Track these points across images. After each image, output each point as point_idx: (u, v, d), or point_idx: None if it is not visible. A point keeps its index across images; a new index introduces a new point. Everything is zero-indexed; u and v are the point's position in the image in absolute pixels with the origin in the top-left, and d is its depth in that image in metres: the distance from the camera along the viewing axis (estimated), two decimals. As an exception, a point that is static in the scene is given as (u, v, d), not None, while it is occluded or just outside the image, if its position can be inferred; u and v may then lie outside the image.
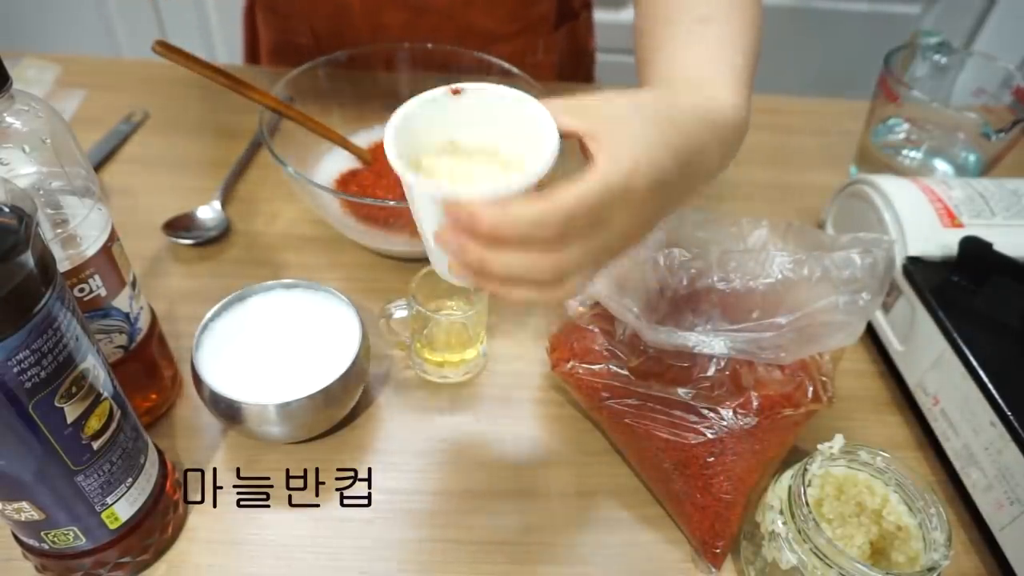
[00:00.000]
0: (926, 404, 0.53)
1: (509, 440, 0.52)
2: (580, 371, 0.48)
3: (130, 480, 0.40)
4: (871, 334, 0.60)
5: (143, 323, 0.47)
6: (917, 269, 0.55)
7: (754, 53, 0.45)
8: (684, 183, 0.39)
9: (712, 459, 0.44)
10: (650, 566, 0.46)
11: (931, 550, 0.38)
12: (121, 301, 0.44)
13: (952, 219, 0.56)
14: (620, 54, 1.61)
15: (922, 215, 0.57)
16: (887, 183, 0.60)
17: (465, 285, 0.41)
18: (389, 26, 0.79)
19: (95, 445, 0.36)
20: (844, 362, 0.50)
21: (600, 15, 1.52)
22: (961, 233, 0.54)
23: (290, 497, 0.48)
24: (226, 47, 1.58)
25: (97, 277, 0.42)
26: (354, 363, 0.47)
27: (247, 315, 0.50)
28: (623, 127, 0.36)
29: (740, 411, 0.44)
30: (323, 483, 0.49)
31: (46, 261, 0.32)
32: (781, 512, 0.40)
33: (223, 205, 0.68)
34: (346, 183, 0.65)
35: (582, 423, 0.53)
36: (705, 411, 0.44)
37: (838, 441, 0.42)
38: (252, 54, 0.97)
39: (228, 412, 0.45)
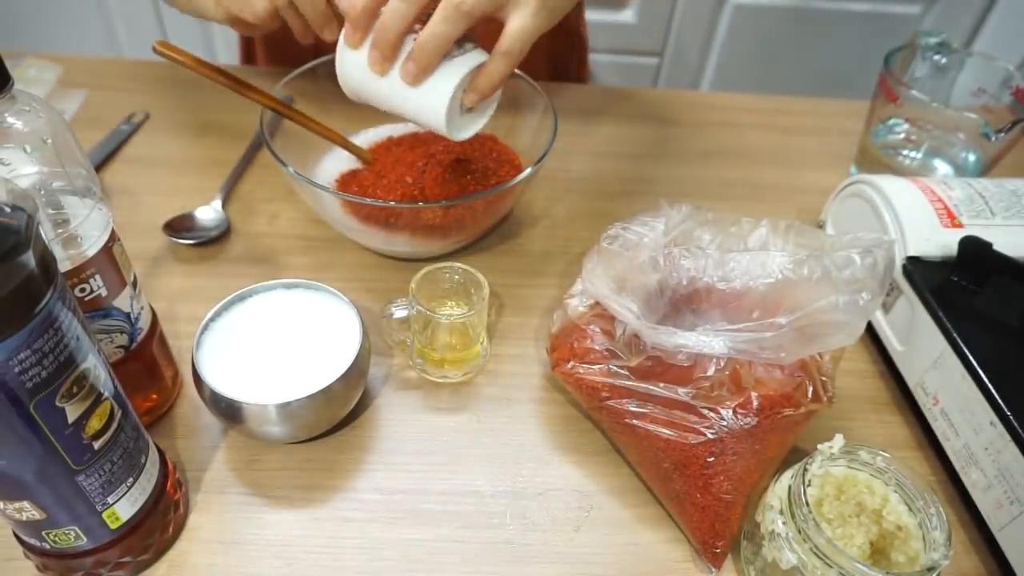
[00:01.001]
0: (926, 404, 0.53)
1: (509, 440, 0.52)
2: (580, 371, 0.48)
3: (131, 480, 0.40)
4: (871, 334, 0.60)
5: (144, 323, 0.47)
6: (917, 269, 0.55)
7: None
8: None
9: (712, 459, 0.44)
10: (650, 566, 0.46)
11: (931, 550, 0.38)
12: (122, 301, 0.44)
13: (952, 219, 0.56)
14: (618, 55, 1.62)
15: (922, 215, 0.57)
16: (887, 183, 0.60)
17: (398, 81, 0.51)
18: None
19: (96, 445, 0.37)
20: (844, 362, 0.50)
21: (599, 15, 1.52)
22: (961, 233, 0.54)
23: (290, 497, 0.48)
24: (226, 47, 1.59)
25: (98, 277, 0.42)
26: (354, 363, 0.47)
27: (247, 315, 0.50)
28: None
29: (740, 411, 0.44)
30: (323, 483, 0.49)
31: (47, 261, 0.32)
32: (781, 512, 0.40)
33: (223, 205, 0.68)
34: (346, 183, 0.65)
35: (582, 423, 0.53)
36: (705, 411, 0.44)
37: (838, 441, 0.42)
38: (248, 52, 0.97)
39: (228, 412, 0.46)
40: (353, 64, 0.52)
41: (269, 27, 0.59)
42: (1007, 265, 0.52)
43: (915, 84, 0.72)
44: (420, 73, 0.49)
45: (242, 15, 0.58)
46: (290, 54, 0.89)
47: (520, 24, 0.49)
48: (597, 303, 0.50)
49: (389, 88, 0.51)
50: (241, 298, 0.51)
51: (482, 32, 0.52)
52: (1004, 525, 0.45)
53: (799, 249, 0.48)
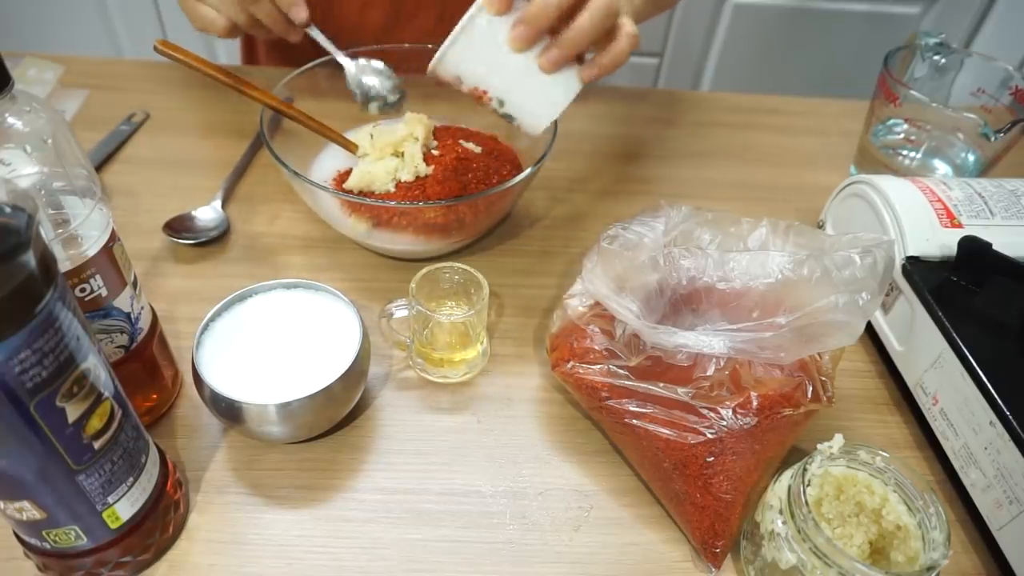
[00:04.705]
0: (925, 404, 0.53)
1: (509, 440, 0.52)
2: (580, 371, 0.48)
3: (131, 479, 0.40)
4: (871, 334, 0.60)
5: (144, 323, 0.47)
6: (916, 269, 0.55)
7: None
8: None
9: (712, 459, 0.44)
10: (650, 566, 0.46)
11: (930, 549, 0.39)
12: (122, 301, 0.44)
13: (951, 219, 0.57)
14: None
15: (921, 215, 0.57)
16: (886, 183, 0.60)
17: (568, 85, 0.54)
18: (373, 17, 0.82)
19: (96, 445, 0.37)
20: (844, 362, 0.51)
21: (600, 15, 1.51)
22: (960, 233, 0.54)
23: (290, 497, 0.48)
24: (226, 47, 1.59)
25: (98, 277, 0.42)
26: (354, 363, 0.47)
27: (247, 315, 0.50)
28: None
29: (740, 411, 0.44)
30: (322, 483, 0.49)
31: (47, 261, 0.32)
32: (781, 512, 0.40)
33: (223, 205, 0.68)
34: (344, 180, 0.65)
35: (582, 423, 0.53)
36: (705, 411, 0.44)
37: (838, 441, 0.42)
38: (250, 52, 0.98)
39: (228, 412, 0.46)
40: (484, 35, 0.51)
41: (237, 35, 0.64)
42: (1006, 265, 0.52)
43: (914, 84, 0.72)
44: (561, 62, 0.52)
45: (210, 31, 0.63)
46: (292, 53, 0.89)
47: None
48: (597, 303, 0.50)
49: (511, 68, 0.52)
50: (241, 298, 0.51)
51: (439, 17, 0.54)
52: (1003, 525, 0.45)
53: (799, 249, 0.48)
